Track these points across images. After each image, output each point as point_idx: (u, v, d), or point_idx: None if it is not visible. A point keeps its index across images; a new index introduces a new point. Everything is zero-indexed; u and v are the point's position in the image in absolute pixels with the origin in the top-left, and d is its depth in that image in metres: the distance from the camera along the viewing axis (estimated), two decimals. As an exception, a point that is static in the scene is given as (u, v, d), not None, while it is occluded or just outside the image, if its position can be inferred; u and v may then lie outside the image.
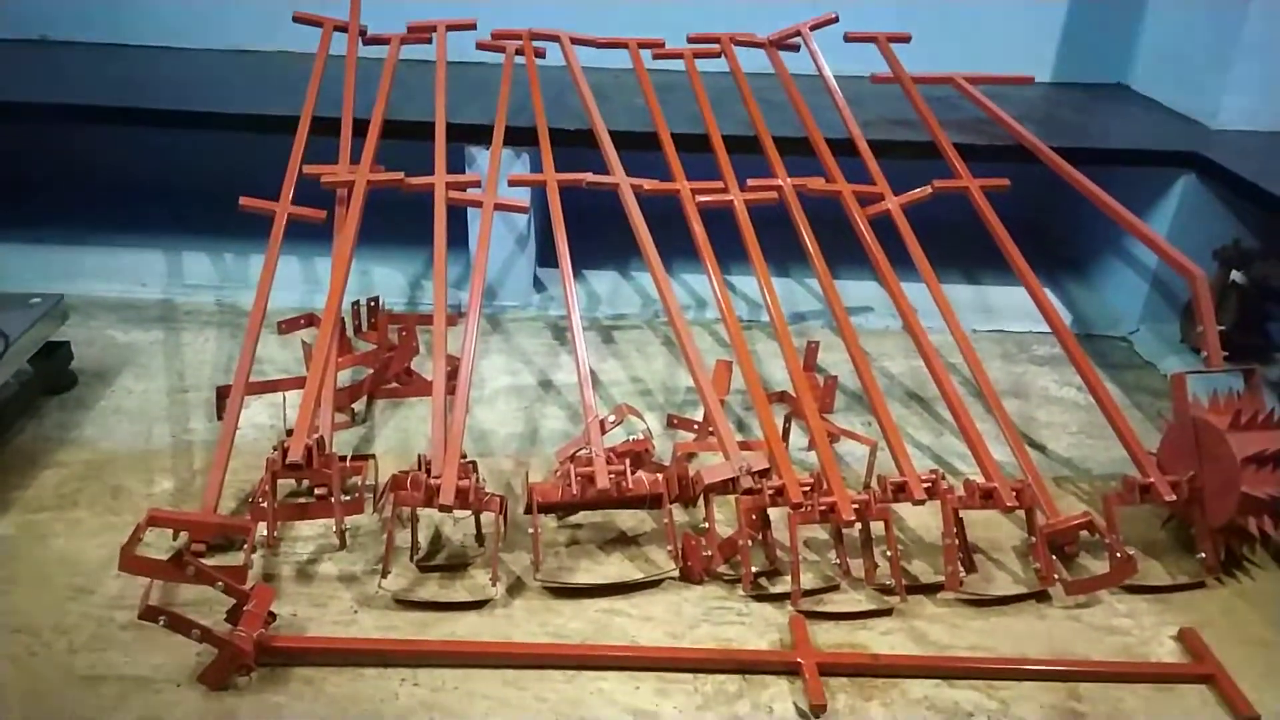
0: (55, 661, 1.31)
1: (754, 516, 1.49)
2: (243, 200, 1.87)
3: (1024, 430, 1.95)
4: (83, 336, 2.07)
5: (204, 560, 1.33)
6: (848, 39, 2.43)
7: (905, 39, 2.44)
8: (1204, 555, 1.56)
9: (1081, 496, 1.77)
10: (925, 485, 1.50)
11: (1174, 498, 1.54)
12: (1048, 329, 1.87)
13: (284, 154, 1.97)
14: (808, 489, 1.47)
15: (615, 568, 1.53)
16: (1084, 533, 1.53)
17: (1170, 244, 1.92)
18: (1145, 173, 2.32)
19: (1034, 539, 1.52)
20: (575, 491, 1.47)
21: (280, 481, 1.51)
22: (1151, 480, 1.55)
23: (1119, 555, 1.49)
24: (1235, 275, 2.12)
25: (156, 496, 1.63)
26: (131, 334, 2.16)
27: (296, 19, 2.33)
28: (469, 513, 1.50)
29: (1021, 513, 1.56)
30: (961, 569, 1.50)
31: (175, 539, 1.48)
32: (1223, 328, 1.84)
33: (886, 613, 1.46)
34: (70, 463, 1.71)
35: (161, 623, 1.25)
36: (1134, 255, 2.43)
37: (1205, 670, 1.37)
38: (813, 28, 2.43)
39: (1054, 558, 1.53)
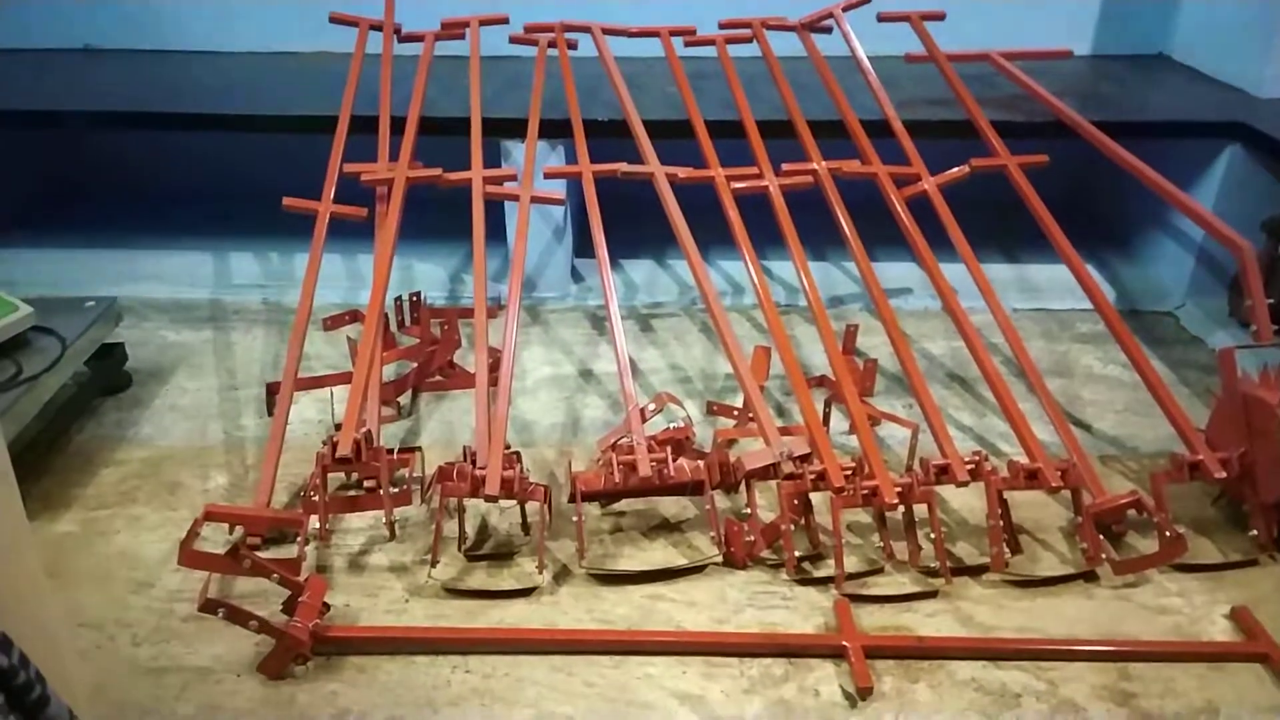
0: (120, 654, 1.35)
1: (796, 501, 1.49)
2: (286, 201, 1.91)
3: (1068, 409, 1.92)
4: (136, 337, 2.12)
5: (259, 553, 1.36)
6: (881, 19, 2.40)
7: (939, 17, 2.41)
8: (1256, 532, 1.53)
9: (1129, 475, 1.74)
10: (968, 467, 1.49)
11: (1224, 475, 1.52)
12: (1090, 306, 1.85)
13: (324, 153, 2.00)
14: (850, 473, 1.47)
15: (659, 554, 1.55)
16: (1132, 512, 1.52)
17: (1216, 216, 1.89)
18: (1189, 144, 2.27)
19: (1080, 519, 1.50)
20: (618, 480, 1.49)
21: (330, 475, 1.55)
22: (1200, 457, 1.53)
23: (1168, 534, 1.47)
24: (1285, 247, 2.07)
25: (212, 492, 1.68)
26: (183, 334, 2.21)
27: (333, 19, 2.36)
28: (514, 502, 1.53)
29: (1067, 493, 1.55)
30: (1007, 550, 1.49)
31: (231, 533, 1.52)
32: (1272, 301, 1.80)
33: (931, 595, 1.46)
34: (128, 460, 1.76)
35: (220, 615, 1.28)
36: (1179, 229, 2.38)
37: (1259, 649, 1.35)
38: (845, 9, 2.41)
39: (1101, 537, 1.51)
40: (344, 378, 1.81)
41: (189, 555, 1.33)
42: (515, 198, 1.98)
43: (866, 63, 2.29)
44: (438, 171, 1.97)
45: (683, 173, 1.98)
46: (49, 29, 2.82)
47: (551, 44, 2.40)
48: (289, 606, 1.34)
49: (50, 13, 2.81)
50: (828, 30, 2.44)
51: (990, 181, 2.06)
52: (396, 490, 1.54)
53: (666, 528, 1.60)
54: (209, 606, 1.28)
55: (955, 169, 2.04)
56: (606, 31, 2.41)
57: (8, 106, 2.38)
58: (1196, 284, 2.33)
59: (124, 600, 1.44)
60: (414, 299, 2.09)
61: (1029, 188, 2.00)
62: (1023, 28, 2.60)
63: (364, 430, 1.50)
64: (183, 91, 2.54)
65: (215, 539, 1.52)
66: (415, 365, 1.96)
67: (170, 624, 1.40)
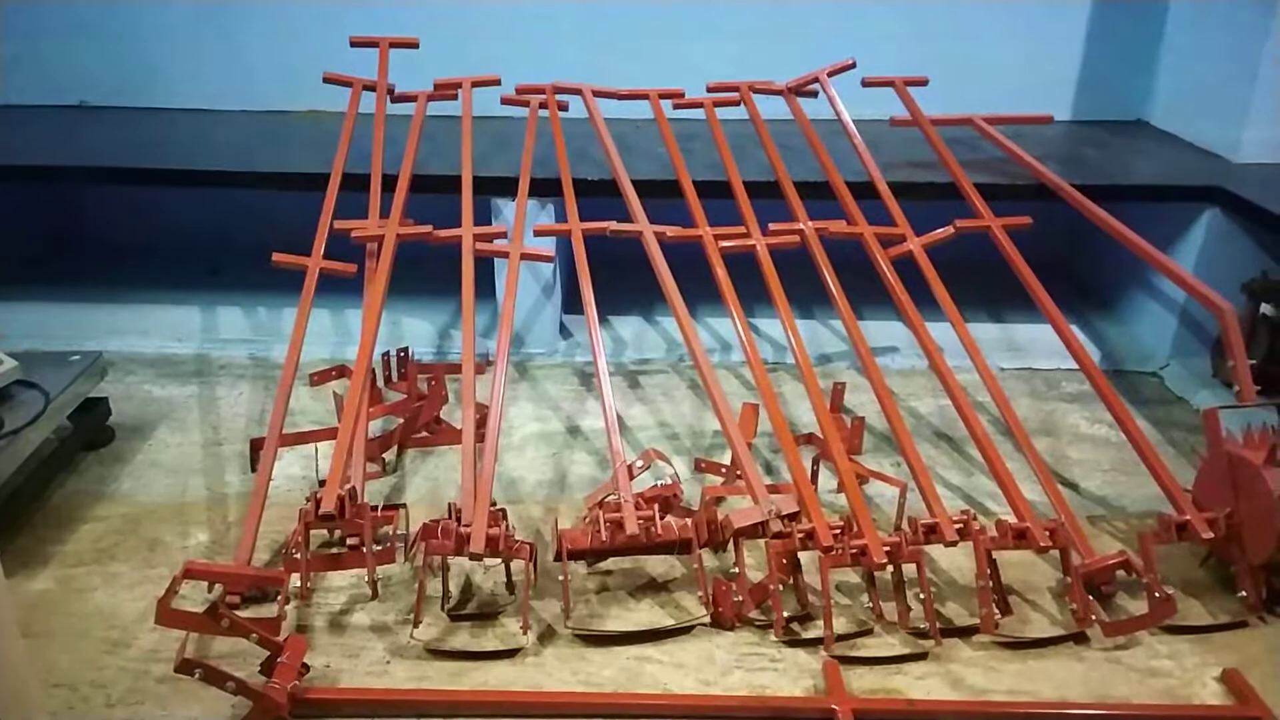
0: (93, 716, 1.32)
1: (784, 560, 1.48)
2: (275, 256, 1.91)
3: (1055, 468, 1.93)
4: (120, 392, 2.11)
5: (238, 612, 1.34)
6: (865, 84, 2.46)
7: (923, 82, 2.47)
8: (1245, 594, 1.53)
9: (1117, 535, 1.74)
10: (957, 526, 1.48)
11: (1212, 535, 1.52)
12: (1076, 366, 1.86)
13: (315, 210, 2.01)
14: (838, 532, 1.46)
15: (646, 614, 1.53)
16: (1121, 572, 1.51)
17: (1197, 278, 1.91)
18: (1169, 208, 2.31)
19: (1069, 579, 1.50)
20: (604, 538, 1.48)
21: (313, 532, 1.53)
22: (1188, 517, 1.53)
23: (1157, 595, 1.46)
24: (1265, 308, 2.10)
25: (192, 549, 1.65)
26: (168, 389, 2.20)
27: (327, 80, 2.40)
28: (499, 560, 1.51)
29: (1056, 553, 1.54)
30: (996, 611, 1.48)
31: (210, 591, 1.49)
32: (1254, 361, 1.82)
33: (921, 656, 1.45)
34: (108, 516, 1.74)
35: (197, 675, 1.25)
36: (1161, 291, 2.41)
37: (1251, 712, 1.34)
38: (831, 74, 2.46)
39: (1091, 598, 1.50)
40: (329, 433, 1.80)
41: (167, 614, 1.30)
42: (505, 255, 1.99)
43: (852, 126, 2.33)
44: (428, 228, 1.99)
45: (671, 231, 2.00)
46: (43, 85, 2.85)
47: (543, 105, 2.44)
48: (267, 667, 1.31)
49: (45, 69, 2.84)
50: (814, 94, 2.49)
51: (975, 242, 2.08)
52: (380, 548, 1.52)
53: (653, 587, 1.58)
54: (186, 667, 1.25)
55: (940, 230, 2.07)
56: (597, 93, 2.45)
57: None
58: (1179, 345, 2.35)
59: (98, 660, 1.41)
60: (401, 355, 2.09)
61: (1013, 249, 2.02)
62: (1004, 94, 2.65)
63: (348, 487, 1.49)
64: (175, 148, 2.57)
65: (194, 597, 1.49)
66: (401, 421, 1.95)
67: (145, 685, 1.37)
